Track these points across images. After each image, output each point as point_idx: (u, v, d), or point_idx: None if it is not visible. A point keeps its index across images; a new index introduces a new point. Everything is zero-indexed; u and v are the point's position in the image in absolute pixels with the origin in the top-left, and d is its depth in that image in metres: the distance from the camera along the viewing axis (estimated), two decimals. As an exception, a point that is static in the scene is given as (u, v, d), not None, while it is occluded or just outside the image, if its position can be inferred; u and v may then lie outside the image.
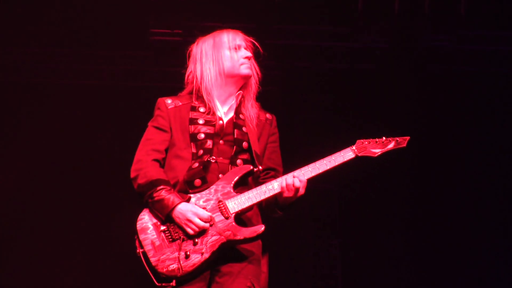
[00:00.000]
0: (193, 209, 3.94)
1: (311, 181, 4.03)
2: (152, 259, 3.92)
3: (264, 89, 6.65)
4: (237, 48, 4.25)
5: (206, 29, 6.23)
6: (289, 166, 4.18)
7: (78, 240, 6.67)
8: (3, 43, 6.50)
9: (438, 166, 6.94)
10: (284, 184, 4.00)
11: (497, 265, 6.81)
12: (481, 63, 6.75)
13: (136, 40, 5.50)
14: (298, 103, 6.82)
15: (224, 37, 4.27)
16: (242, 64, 4.22)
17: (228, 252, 4.00)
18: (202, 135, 4.10)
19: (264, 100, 6.71)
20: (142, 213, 4.03)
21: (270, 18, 6.45)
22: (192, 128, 4.13)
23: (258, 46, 4.36)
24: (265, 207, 4.20)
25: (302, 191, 4.02)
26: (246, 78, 4.24)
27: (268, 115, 4.35)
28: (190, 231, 3.93)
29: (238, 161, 4.11)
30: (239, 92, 4.28)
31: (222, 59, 4.22)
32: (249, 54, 4.24)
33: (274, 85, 6.74)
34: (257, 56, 4.38)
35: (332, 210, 7.02)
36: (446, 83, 6.84)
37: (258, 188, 4.04)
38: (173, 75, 6.38)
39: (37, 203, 6.72)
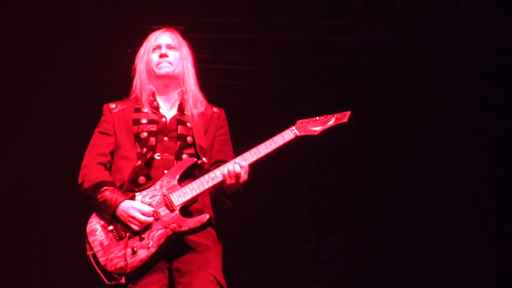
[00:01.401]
0: (134, 205, 3.97)
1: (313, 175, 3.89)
2: (101, 259, 3.96)
3: (265, 85, 6.72)
4: (156, 48, 4.31)
5: (207, 25, 6.33)
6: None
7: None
8: (4, 40, 6.60)
9: (442, 160, 6.83)
10: (225, 172, 3.99)
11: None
12: (482, 56, 6.67)
13: (137, 36, 5.56)
14: (298, 99, 6.75)
15: (149, 40, 4.37)
16: (157, 64, 4.28)
17: (184, 249, 4.02)
18: (145, 134, 4.15)
19: (266, 95, 6.75)
20: (91, 217, 4.09)
21: (271, 13, 6.47)
22: (135, 128, 4.19)
23: (182, 39, 4.43)
24: (215, 198, 4.20)
25: (244, 176, 4.01)
26: (165, 77, 4.28)
27: (215, 109, 4.38)
28: (135, 227, 3.96)
29: (184, 156, 4.13)
30: (180, 89, 4.31)
31: (148, 62, 4.31)
32: (162, 52, 4.28)
33: (274, 81, 6.79)
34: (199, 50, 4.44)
35: (333, 205, 6.94)
36: (448, 77, 6.76)
37: (201, 178, 4.05)
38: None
39: (43, 200, 6.74)
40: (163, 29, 4.43)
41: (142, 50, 4.38)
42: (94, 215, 4.08)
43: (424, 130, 6.79)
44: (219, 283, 4.00)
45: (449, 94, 6.78)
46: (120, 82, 4.86)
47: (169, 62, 4.28)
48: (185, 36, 4.88)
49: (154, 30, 4.50)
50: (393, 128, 6.81)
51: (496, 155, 6.75)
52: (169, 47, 4.32)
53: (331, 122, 4.13)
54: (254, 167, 4.09)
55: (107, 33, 6.48)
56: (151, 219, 3.95)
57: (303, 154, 6.63)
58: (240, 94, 6.57)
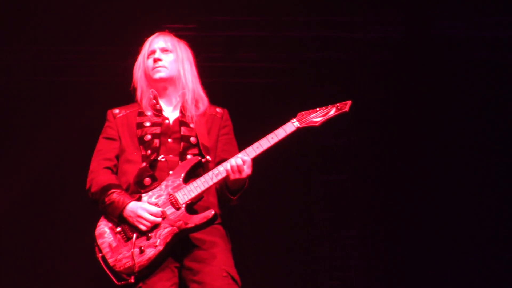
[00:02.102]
0: (142, 206, 4.01)
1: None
2: (110, 260, 4.00)
3: (277, 82, 6.71)
4: (150, 54, 4.36)
5: (219, 23, 6.34)
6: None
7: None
8: (17, 42, 6.66)
9: (456, 155, 6.79)
10: (228, 167, 4.01)
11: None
12: (497, 50, 6.64)
13: (150, 35, 5.60)
14: (310, 96, 6.74)
15: (144, 47, 4.42)
16: (152, 69, 4.32)
17: (192, 248, 4.05)
18: (149, 136, 4.20)
19: (278, 93, 6.73)
20: (99, 220, 4.14)
21: (282, 10, 6.48)
22: (139, 131, 4.24)
23: (178, 39, 4.47)
24: (220, 196, 4.23)
25: (248, 170, 4.02)
26: (160, 81, 4.32)
27: (218, 109, 4.41)
28: (143, 227, 3.99)
29: (188, 157, 4.16)
30: (182, 91, 4.34)
31: (146, 68, 4.36)
32: (156, 56, 4.32)
33: (286, 78, 6.79)
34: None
35: (348, 201, 6.91)
36: (461, 71, 6.72)
37: (205, 175, 4.07)
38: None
39: (58, 201, 6.77)
40: (156, 34, 4.47)
41: (138, 58, 4.44)
42: (102, 218, 4.12)
43: (438, 125, 6.75)
44: (233, 278, 4.01)
45: (463, 88, 6.74)
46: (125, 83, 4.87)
47: (163, 66, 4.31)
48: (197, 34, 4.91)
49: (167, 29, 4.53)
50: (407, 124, 6.76)
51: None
52: (163, 50, 4.36)
53: (332, 112, 4.14)
54: (268, 163, 4.11)
55: (119, 34, 6.51)
56: (159, 219, 3.99)
57: (316, 151, 6.63)
58: (252, 92, 6.57)
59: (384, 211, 6.80)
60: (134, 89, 4.42)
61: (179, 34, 4.83)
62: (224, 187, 4.15)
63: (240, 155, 4.05)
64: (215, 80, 4.52)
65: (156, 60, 4.31)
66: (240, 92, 6.27)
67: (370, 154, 6.84)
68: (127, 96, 4.56)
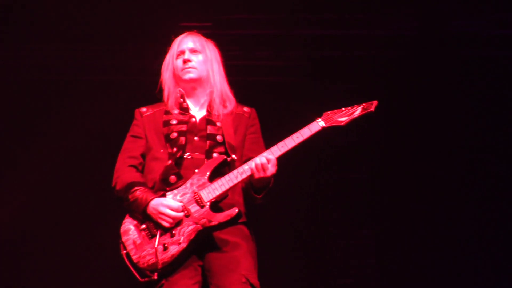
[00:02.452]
0: (164, 202, 4.02)
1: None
2: (134, 257, 4.01)
3: (294, 80, 6.69)
4: (179, 54, 4.38)
5: (235, 22, 6.32)
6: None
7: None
8: (31, 41, 6.66)
9: (472, 152, 6.78)
10: (253, 165, 4.01)
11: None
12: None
13: (165, 34, 5.53)
14: (327, 93, 6.70)
15: (172, 47, 4.44)
16: (181, 70, 4.34)
17: (215, 249, 4.04)
18: (175, 134, 4.21)
19: (294, 91, 6.72)
20: (125, 218, 4.15)
21: (298, 8, 6.44)
22: (166, 129, 4.25)
23: (206, 39, 4.47)
24: (246, 195, 4.22)
25: (272, 169, 4.01)
26: (190, 81, 4.34)
27: (246, 109, 4.41)
28: (165, 224, 3.99)
29: (214, 155, 4.17)
30: (209, 90, 4.35)
31: (175, 69, 4.38)
32: (185, 57, 4.33)
33: (302, 76, 6.78)
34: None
35: (364, 200, 6.91)
36: (477, 68, 6.70)
37: (230, 174, 4.07)
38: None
39: (69, 201, 6.79)
40: (185, 33, 4.48)
41: (166, 57, 4.45)
42: (127, 216, 4.14)
43: (452, 123, 6.74)
44: (251, 285, 4.00)
45: (478, 85, 6.72)
46: (149, 82, 4.88)
47: (193, 67, 4.33)
48: (213, 33, 4.89)
49: (183, 28, 4.52)
50: (421, 121, 6.75)
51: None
52: (192, 51, 4.38)
53: (358, 112, 4.13)
54: (284, 162, 4.10)
55: (136, 32, 6.53)
56: (181, 214, 3.99)
57: (333, 150, 6.62)
58: (269, 90, 6.56)
59: (400, 210, 6.78)
60: (161, 90, 4.43)
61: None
62: (249, 186, 4.15)
63: (265, 153, 4.04)
64: (232, 78, 4.50)
65: (185, 61, 4.33)
66: (257, 90, 6.25)
67: (385, 152, 6.82)
68: (143, 95, 4.56)
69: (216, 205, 4.06)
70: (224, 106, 4.33)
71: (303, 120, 4.18)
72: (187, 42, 4.40)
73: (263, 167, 3.98)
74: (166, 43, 5.97)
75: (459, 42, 6.59)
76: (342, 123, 4.10)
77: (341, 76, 6.79)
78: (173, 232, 3.99)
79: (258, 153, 4.14)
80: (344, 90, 6.62)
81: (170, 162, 4.11)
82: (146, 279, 3.97)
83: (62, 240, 6.72)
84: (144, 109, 4.39)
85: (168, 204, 4.00)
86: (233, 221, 3.99)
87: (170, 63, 4.39)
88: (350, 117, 4.12)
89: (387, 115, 6.52)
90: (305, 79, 6.79)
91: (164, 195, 4.06)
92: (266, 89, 6.52)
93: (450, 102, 6.74)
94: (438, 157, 6.76)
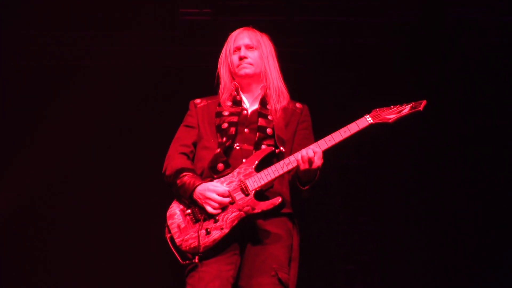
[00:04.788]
0: (210, 187, 4.09)
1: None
2: (177, 240, 4.09)
3: (294, 67, 6.68)
4: (236, 50, 4.46)
5: (235, 8, 6.33)
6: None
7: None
8: (34, 27, 6.70)
9: (473, 141, 6.70)
10: (299, 157, 4.05)
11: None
12: None
13: (165, 20, 5.54)
14: (327, 81, 6.70)
15: (228, 42, 4.52)
16: (237, 66, 4.43)
17: (256, 239, 4.11)
18: (226, 124, 4.29)
19: (295, 77, 6.73)
20: (172, 203, 4.25)
21: None
22: (217, 120, 4.34)
23: (261, 34, 4.54)
24: (292, 187, 4.26)
25: (318, 162, 4.05)
26: (246, 77, 4.42)
27: (298, 105, 4.48)
28: (210, 209, 4.06)
29: (263, 147, 4.22)
30: (263, 85, 4.43)
31: (230, 64, 4.47)
32: (241, 54, 4.41)
33: (303, 63, 6.73)
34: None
35: (365, 186, 6.85)
36: (479, 56, 6.62)
37: (276, 164, 4.12)
38: (201, 55, 6.41)
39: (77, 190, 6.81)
40: (241, 29, 4.56)
41: (223, 53, 4.54)
42: (174, 200, 4.23)
43: (454, 110, 6.68)
44: (279, 280, 4.04)
45: (481, 74, 6.65)
46: (148, 67, 4.82)
47: (249, 63, 4.42)
48: (213, 19, 4.88)
49: (183, 14, 4.55)
50: (423, 109, 6.70)
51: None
52: (248, 47, 4.45)
53: (406, 110, 4.16)
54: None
55: (136, 18, 6.53)
56: (227, 199, 4.05)
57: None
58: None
59: (401, 197, 6.73)
60: (218, 83, 4.52)
61: (195, 18, 4.87)
62: (295, 178, 4.19)
63: (312, 146, 4.09)
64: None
65: (242, 58, 4.41)
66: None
67: (386, 138, 6.73)
68: (137, 80, 4.48)
69: (262, 194, 4.12)
70: (278, 101, 4.40)
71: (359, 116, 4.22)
72: (243, 38, 4.48)
73: (309, 159, 4.02)
74: (166, 28, 5.91)
75: (461, 29, 6.54)
76: (390, 120, 4.13)
77: (340, 63, 6.75)
78: (217, 217, 4.05)
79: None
80: (343, 77, 6.62)
81: (218, 150, 4.19)
82: (187, 261, 4.04)
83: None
84: (198, 101, 4.50)
85: (214, 189, 4.07)
86: (276, 210, 4.04)
87: (226, 58, 4.48)
88: (398, 114, 4.14)
89: (389, 102, 6.50)
90: (305, 66, 6.74)
91: (211, 181, 4.13)
92: None
93: (452, 89, 6.69)
94: (439, 145, 6.73)
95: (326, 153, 4.13)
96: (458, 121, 6.72)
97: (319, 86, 6.67)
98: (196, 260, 4.02)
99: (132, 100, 6.64)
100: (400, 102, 4.21)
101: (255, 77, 4.44)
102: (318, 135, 4.24)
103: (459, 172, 6.70)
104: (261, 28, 4.98)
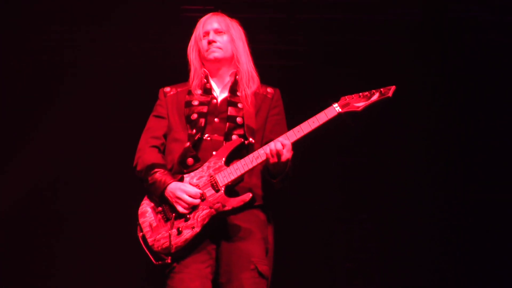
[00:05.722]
0: (181, 187, 4.03)
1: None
2: (149, 240, 4.05)
3: (295, 64, 6.64)
4: (204, 35, 4.36)
5: (239, 5, 6.31)
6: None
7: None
8: (34, 25, 6.67)
9: (472, 139, 6.66)
10: (268, 150, 3.98)
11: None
12: None
13: (168, 17, 5.52)
14: (329, 78, 6.62)
15: (197, 28, 4.43)
16: (206, 50, 4.33)
17: (228, 235, 4.06)
18: (196, 115, 4.21)
19: (296, 75, 6.67)
20: (143, 200, 4.20)
21: None
22: (187, 110, 4.26)
23: (230, 19, 4.47)
24: (264, 178, 4.19)
25: (287, 154, 3.97)
26: (215, 61, 4.33)
27: (269, 89, 4.38)
28: (181, 209, 4.02)
29: (233, 137, 4.15)
30: (233, 71, 4.35)
31: (200, 50, 4.38)
32: (210, 38, 4.32)
33: (304, 60, 6.68)
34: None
35: (365, 184, 6.80)
36: (481, 54, 6.54)
37: (246, 158, 4.05)
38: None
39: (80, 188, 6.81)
40: (210, 14, 4.47)
41: (192, 39, 4.45)
42: (145, 197, 4.18)
43: (454, 108, 6.61)
44: (259, 272, 4.01)
45: (480, 71, 6.58)
46: (151, 64, 4.84)
47: (218, 47, 4.33)
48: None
49: (185, 10, 4.52)
50: (424, 106, 6.62)
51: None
52: (217, 31, 4.36)
53: (375, 97, 4.05)
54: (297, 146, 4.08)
55: (139, 14, 6.47)
56: (197, 200, 4.00)
57: (334, 133, 6.57)
58: (270, 74, 6.53)
59: (401, 195, 6.68)
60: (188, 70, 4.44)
61: (197, 15, 4.81)
62: (265, 170, 4.12)
63: (280, 138, 4.00)
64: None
65: (210, 42, 4.32)
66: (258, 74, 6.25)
67: (385, 136, 6.70)
68: (139, 78, 4.49)
69: (232, 189, 4.06)
70: (249, 86, 4.31)
71: (303, 104, 4.19)
72: (211, 23, 4.39)
73: (277, 153, 3.95)
74: (167, 26, 5.89)
75: (462, 27, 6.46)
76: (359, 109, 4.03)
77: (343, 61, 6.68)
78: (188, 216, 4.01)
79: (279, 135, 4.10)
80: (345, 74, 6.54)
81: (188, 144, 4.12)
82: (160, 262, 4.00)
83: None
84: (168, 89, 4.41)
85: (185, 189, 4.02)
86: (246, 206, 3.98)
87: (196, 44, 4.40)
88: (366, 102, 4.04)
89: (390, 99, 6.44)
90: (308, 64, 6.68)
91: (182, 178, 4.08)
92: (266, 73, 6.49)
93: (452, 87, 6.63)
94: (440, 142, 6.67)
95: (325, 153, 4.06)
96: (460, 120, 6.66)
97: (319, 84, 6.61)
98: (169, 261, 3.98)
99: (134, 99, 6.58)
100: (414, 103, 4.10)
101: (225, 61, 4.35)
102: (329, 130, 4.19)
103: (460, 171, 6.65)
104: (263, 26, 5.00)
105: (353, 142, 6.80)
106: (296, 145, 4.04)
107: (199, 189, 4.03)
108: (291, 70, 6.67)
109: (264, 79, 4.48)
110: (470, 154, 6.63)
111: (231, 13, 6.01)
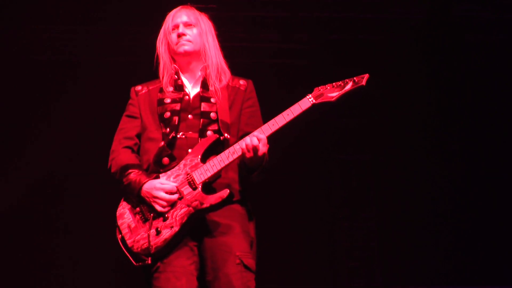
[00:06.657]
0: (157, 185, 3.99)
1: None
2: (128, 241, 4.01)
3: (299, 63, 6.63)
4: (174, 28, 4.30)
5: (240, 3, 6.29)
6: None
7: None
8: (36, 22, 6.68)
9: (475, 136, 6.71)
10: (243, 146, 3.94)
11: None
12: None
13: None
14: (332, 76, 6.71)
15: (166, 22, 4.36)
16: (176, 44, 4.27)
17: (208, 232, 4.02)
18: (168, 113, 4.16)
19: (299, 73, 6.65)
20: (120, 202, 4.15)
21: None
22: (160, 108, 4.20)
23: (200, 12, 4.40)
24: (241, 172, 4.16)
25: (263, 148, 3.93)
26: (185, 54, 4.27)
27: (242, 81, 4.33)
28: (159, 207, 3.98)
29: (208, 133, 4.11)
30: (203, 65, 4.29)
31: (168, 44, 4.32)
32: (180, 31, 4.26)
33: (307, 59, 6.70)
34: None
35: (367, 182, 6.83)
36: (484, 53, 6.61)
37: (222, 154, 4.01)
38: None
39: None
40: (179, 7, 4.39)
41: (161, 32, 4.38)
42: (122, 199, 4.14)
43: (458, 106, 6.65)
44: (245, 266, 3.98)
45: (483, 70, 6.65)
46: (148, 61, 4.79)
47: (188, 40, 4.26)
48: (218, 14, 4.83)
49: (188, 2, 4.46)
50: (427, 105, 6.63)
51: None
52: (186, 24, 4.30)
53: (349, 86, 4.02)
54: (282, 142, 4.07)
55: (140, 13, 6.47)
56: (175, 196, 3.97)
57: (336, 131, 6.57)
58: (274, 73, 6.51)
59: (404, 193, 6.72)
60: (158, 65, 4.37)
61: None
62: (242, 165, 4.09)
63: (255, 133, 3.97)
64: (237, 60, 4.44)
65: (180, 35, 4.26)
66: (261, 72, 6.20)
67: (390, 134, 6.70)
68: (146, 75, 4.52)
69: (209, 186, 4.02)
70: (220, 80, 4.26)
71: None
72: (181, 16, 4.33)
73: (254, 147, 3.91)
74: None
75: (465, 26, 6.51)
76: (333, 99, 4.00)
77: (346, 59, 6.69)
78: (166, 215, 3.97)
79: (255, 127, 4.07)
80: (348, 73, 6.54)
81: (162, 143, 4.08)
82: (140, 263, 3.97)
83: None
84: (139, 88, 4.35)
85: (162, 186, 3.98)
86: (224, 203, 3.94)
87: (165, 37, 4.33)
88: (340, 92, 4.01)
89: (391, 97, 6.45)
90: (311, 62, 6.70)
91: (157, 177, 4.04)
92: (270, 72, 6.46)
93: (456, 86, 6.67)
94: (443, 139, 6.72)
95: (326, 150, 4.03)
96: (462, 118, 6.71)
97: (323, 82, 6.63)
98: (149, 262, 3.94)
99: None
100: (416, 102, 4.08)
101: (195, 55, 4.29)
102: (329, 128, 4.16)
103: (462, 169, 6.70)
104: (265, 24, 4.97)
105: (356, 140, 6.80)
106: (271, 138, 4.01)
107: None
108: (295, 68, 6.67)
109: (265, 77, 4.44)
110: (472, 152, 6.68)
111: (234, 11, 6.01)
